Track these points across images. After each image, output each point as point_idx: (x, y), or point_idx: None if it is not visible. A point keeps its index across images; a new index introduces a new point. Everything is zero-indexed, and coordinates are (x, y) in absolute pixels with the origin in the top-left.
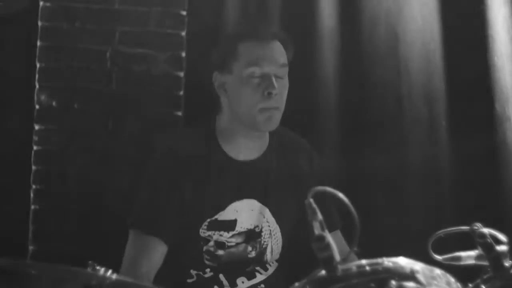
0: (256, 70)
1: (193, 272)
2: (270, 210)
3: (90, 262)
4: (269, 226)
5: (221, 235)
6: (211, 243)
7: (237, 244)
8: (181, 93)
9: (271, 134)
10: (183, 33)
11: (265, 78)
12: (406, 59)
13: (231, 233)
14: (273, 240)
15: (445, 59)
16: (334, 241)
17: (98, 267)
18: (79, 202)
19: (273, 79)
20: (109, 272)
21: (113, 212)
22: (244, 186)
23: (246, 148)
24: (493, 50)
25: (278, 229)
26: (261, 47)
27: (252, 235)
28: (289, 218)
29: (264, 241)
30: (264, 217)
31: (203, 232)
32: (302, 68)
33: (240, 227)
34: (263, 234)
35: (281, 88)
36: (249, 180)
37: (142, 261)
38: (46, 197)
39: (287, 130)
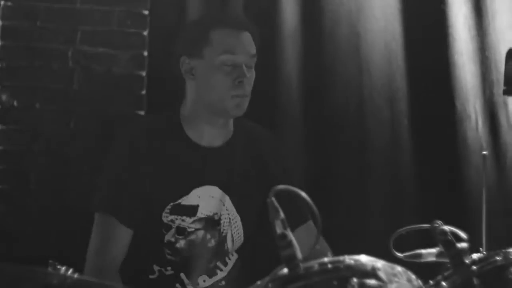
0: (230, 58)
1: (155, 267)
2: (231, 199)
3: (51, 261)
4: (228, 214)
5: (183, 221)
6: (172, 231)
7: (196, 230)
8: (143, 92)
9: (236, 124)
10: (145, 33)
11: (237, 67)
12: (367, 59)
13: (192, 219)
14: (233, 229)
15: (407, 59)
16: (305, 233)
17: (59, 267)
18: (40, 202)
19: (244, 68)
20: (70, 271)
21: (74, 212)
22: (206, 172)
23: (209, 135)
24: (454, 49)
25: (238, 218)
26: (235, 36)
27: (211, 223)
28: (252, 207)
29: (224, 229)
30: (224, 205)
31: (166, 216)
32: (264, 67)
33: (201, 213)
34: (222, 222)
35: (250, 77)
36: (212, 167)
37: (108, 243)
38: (8, 197)
39: (253, 122)
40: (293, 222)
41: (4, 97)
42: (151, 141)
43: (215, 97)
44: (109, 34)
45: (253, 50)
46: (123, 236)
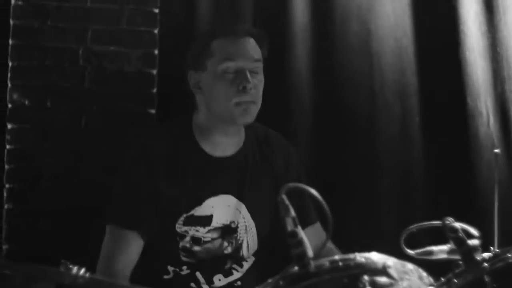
0: (230, 65)
1: (170, 268)
2: (246, 206)
3: (63, 261)
4: (245, 222)
5: (197, 231)
6: (187, 239)
7: (213, 239)
8: (154, 90)
9: (248, 130)
10: (156, 31)
11: (239, 73)
12: (378, 55)
13: (207, 229)
14: (249, 236)
15: (418, 55)
16: (313, 235)
17: (71, 266)
18: (52, 201)
19: (248, 73)
20: (82, 270)
21: (87, 210)
22: (220, 182)
23: (222, 145)
24: (465, 45)
25: (253, 224)
26: (235, 43)
27: (228, 231)
28: (265, 214)
29: (240, 237)
30: (240, 213)
31: (179, 228)
32: (274, 65)
33: (216, 222)
34: (239, 229)
35: (257, 83)
36: (225, 176)
37: (118, 256)
38: (19, 196)
39: (265, 127)
40: (301, 223)
41: (15, 96)
42: (164, 154)
43: (220, 106)
44: (119, 33)
45: (257, 54)
46: (135, 247)
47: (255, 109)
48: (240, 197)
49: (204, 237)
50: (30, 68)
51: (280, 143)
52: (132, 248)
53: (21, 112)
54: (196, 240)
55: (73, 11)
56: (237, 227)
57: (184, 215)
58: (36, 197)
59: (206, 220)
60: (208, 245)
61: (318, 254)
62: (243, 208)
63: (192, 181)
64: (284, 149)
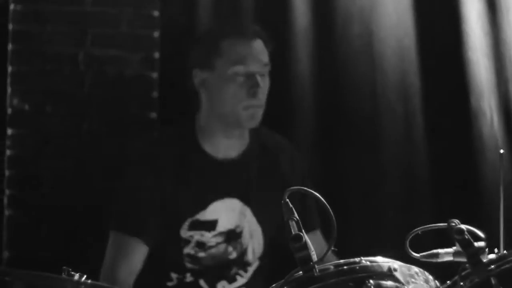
0: (241, 69)
1: (173, 275)
2: (252, 210)
3: (64, 267)
4: (249, 226)
5: (202, 235)
6: (192, 244)
7: (218, 244)
8: (155, 94)
9: (252, 133)
10: (156, 34)
11: (250, 77)
12: (380, 56)
13: (212, 233)
14: (254, 241)
15: (420, 55)
16: (313, 241)
17: (72, 273)
18: (53, 207)
19: (258, 78)
20: (84, 277)
21: (88, 216)
22: (224, 185)
23: (225, 147)
24: (467, 45)
25: (259, 229)
26: (246, 45)
27: (233, 236)
28: (271, 218)
29: (245, 242)
30: (245, 217)
31: (184, 232)
32: (276, 67)
33: (221, 227)
34: (243, 234)
35: (264, 87)
36: (229, 179)
37: (122, 264)
38: (20, 202)
39: (268, 129)
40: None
41: (15, 101)
42: (166, 158)
43: (228, 108)
44: (119, 36)
45: (265, 58)
46: (139, 253)
47: (261, 113)
48: (245, 201)
49: (209, 242)
50: (30, 73)
51: (284, 146)
52: (136, 255)
53: (21, 117)
54: (200, 245)
55: (72, 15)
56: (242, 231)
57: (189, 220)
58: (37, 203)
59: (211, 225)
60: (213, 250)
61: (323, 257)
62: (248, 212)
63: (196, 184)
64: (289, 152)
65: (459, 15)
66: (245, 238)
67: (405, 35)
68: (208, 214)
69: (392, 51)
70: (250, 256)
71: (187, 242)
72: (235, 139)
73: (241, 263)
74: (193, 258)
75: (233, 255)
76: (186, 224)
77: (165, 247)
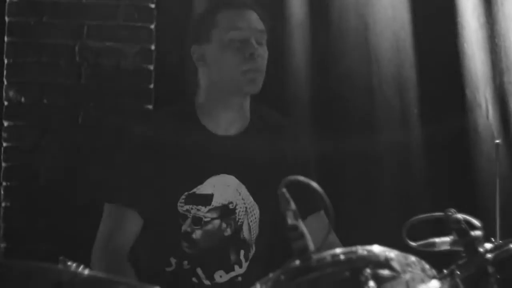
0: (236, 34)
1: (172, 260)
2: (247, 187)
3: (61, 258)
4: (244, 203)
5: (198, 210)
6: (188, 221)
7: (212, 219)
8: (151, 86)
9: (253, 111)
10: (152, 26)
11: (246, 42)
12: (376, 48)
13: (207, 208)
14: (249, 218)
15: (416, 48)
16: (317, 222)
17: (69, 263)
18: (50, 198)
19: (254, 41)
20: (81, 267)
21: (85, 207)
22: (222, 161)
23: (226, 121)
24: (463, 37)
25: (256, 206)
26: (239, 14)
27: (226, 212)
28: (270, 196)
29: (239, 218)
30: (239, 194)
31: (181, 206)
32: (272, 59)
33: (216, 202)
34: (237, 211)
35: (262, 53)
36: (228, 155)
37: (116, 234)
38: (17, 194)
39: (270, 109)
40: (305, 211)
41: (11, 94)
42: (164, 132)
43: (227, 75)
44: (115, 28)
45: (260, 25)
46: (133, 224)
47: (261, 79)
48: (241, 178)
49: (204, 216)
50: (26, 65)
51: (287, 125)
52: (131, 226)
53: (17, 109)
54: (196, 221)
55: (68, 7)
56: (235, 208)
57: (186, 193)
58: (34, 194)
59: (207, 199)
60: (208, 227)
61: (321, 245)
62: (243, 189)
63: (194, 159)
64: (289, 130)
65: (454, 8)
66: (239, 215)
67: (401, 28)
68: (204, 188)
69: (388, 43)
70: (246, 234)
71: (184, 218)
72: (236, 112)
73: (237, 241)
74: (189, 240)
75: (228, 232)
76: (183, 197)
77: (164, 224)
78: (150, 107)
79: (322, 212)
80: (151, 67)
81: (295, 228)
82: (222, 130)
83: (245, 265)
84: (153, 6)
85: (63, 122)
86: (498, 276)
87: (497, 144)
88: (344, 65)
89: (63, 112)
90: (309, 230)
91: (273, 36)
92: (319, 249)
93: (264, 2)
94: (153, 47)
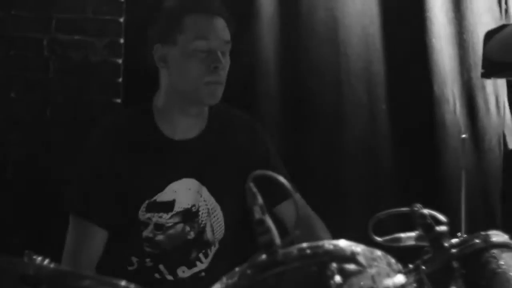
0: (204, 44)
1: (134, 259)
2: (208, 189)
3: (27, 251)
4: (206, 205)
5: (160, 217)
6: (150, 227)
7: (175, 224)
8: (120, 80)
9: (211, 112)
10: (121, 19)
11: (212, 53)
12: (345, 43)
13: (170, 214)
14: (212, 219)
15: (384, 42)
16: (290, 208)
17: (35, 257)
18: (17, 191)
19: (219, 54)
20: (47, 261)
21: (52, 201)
22: (182, 166)
23: (184, 126)
24: (431, 32)
25: (218, 207)
26: (208, 21)
27: (189, 215)
28: (232, 196)
29: (202, 221)
30: (201, 196)
31: (142, 215)
32: (241, 52)
33: (178, 207)
34: (200, 213)
35: (225, 64)
36: (187, 160)
37: (82, 249)
38: None
39: (229, 106)
40: (278, 197)
41: None
42: (122, 139)
43: (189, 84)
44: (84, 22)
45: (227, 36)
46: (98, 237)
47: (221, 90)
48: (202, 180)
49: (166, 223)
50: None
51: (243, 121)
52: (97, 240)
53: None
54: (159, 227)
55: (37, 0)
56: (198, 210)
57: (147, 201)
58: (1, 188)
59: (168, 206)
60: (171, 231)
61: (296, 227)
62: (205, 191)
63: (153, 166)
64: (248, 126)
65: (423, 3)
66: (202, 217)
67: (370, 23)
68: (165, 195)
69: (357, 38)
70: (209, 235)
71: (145, 224)
72: (194, 118)
73: (201, 243)
74: (151, 241)
75: (191, 235)
76: (144, 206)
77: (125, 231)
78: (119, 101)
79: (297, 195)
80: (120, 61)
81: (262, 222)
82: (179, 134)
83: (206, 261)
84: None
85: (31, 116)
86: (463, 271)
87: (463, 138)
88: (313, 58)
89: (31, 106)
90: (285, 214)
91: (242, 29)
92: (285, 244)
93: None
94: (122, 41)
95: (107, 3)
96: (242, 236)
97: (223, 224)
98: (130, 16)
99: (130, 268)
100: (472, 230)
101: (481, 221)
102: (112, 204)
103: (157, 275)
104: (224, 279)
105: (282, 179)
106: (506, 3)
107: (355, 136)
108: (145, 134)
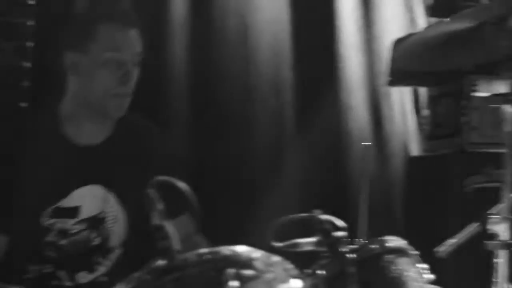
0: (116, 56)
1: (31, 267)
2: (115, 196)
3: None
4: (113, 212)
5: (64, 223)
6: (53, 232)
7: (81, 231)
8: (27, 84)
9: (120, 118)
10: (31, 23)
11: (123, 65)
12: (255, 50)
13: (74, 220)
14: (117, 226)
15: (294, 49)
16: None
17: None
18: None
19: (130, 65)
20: None
21: None
22: (86, 172)
23: (89, 132)
24: (340, 40)
25: (123, 214)
26: (122, 32)
27: (96, 222)
28: (137, 203)
29: (108, 227)
30: (108, 203)
31: (46, 220)
32: (152, 58)
33: (84, 213)
34: (106, 219)
35: (135, 75)
36: (92, 166)
37: None
38: None
39: (133, 113)
40: (178, 209)
41: None
42: (24, 143)
43: (96, 94)
44: None
45: (139, 47)
46: None
47: (128, 102)
48: (108, 187)
49: (71, 229)
50: None
51: (150, 129)
52: None
53: None
54: (62, 233)
55: None
56: (105, 217)
57: (50, 207)
58: None
59: (73, 212)
60: (75, 237)
61: (187, 242)
62: (111, 198)
63: (56, 172)
64: (155, 135)
65: (333, 11)
66: (109, 223)
67: (280, 30)
68: (70, 201)
69: (267, 45)
70: (113, 242)
71: (48, 230)
72: (100, 126)
73: (103, 249)
74: (54, 246)
75: (96, 241)
76: (48, 212)
77: (24, 236)
78: (26, 105)
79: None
80: (28, 65)
81: (160, 228)
82: (85, 140)
83: (107, 265)
84: (32, 2)
85: None
86: (360, 276)
87: (366, 146)
88: (223, 65)
89: None
90: (182, 228)
91: (153, 35)
92: (184, 249)
93: (145, 1)
94: (31, 44)
95: (17, 6)
96: (147, 241)
97: (128, 229)
98: (40, 19)
99: (26, 276)
100: (375, 235)
101: (383, 226)
102: (15, 210)
103: (55, 282)
104: (122, 285)
105: (183, 185)
106: (413, 11)
107: (262, 141)
108: (50, 139)
